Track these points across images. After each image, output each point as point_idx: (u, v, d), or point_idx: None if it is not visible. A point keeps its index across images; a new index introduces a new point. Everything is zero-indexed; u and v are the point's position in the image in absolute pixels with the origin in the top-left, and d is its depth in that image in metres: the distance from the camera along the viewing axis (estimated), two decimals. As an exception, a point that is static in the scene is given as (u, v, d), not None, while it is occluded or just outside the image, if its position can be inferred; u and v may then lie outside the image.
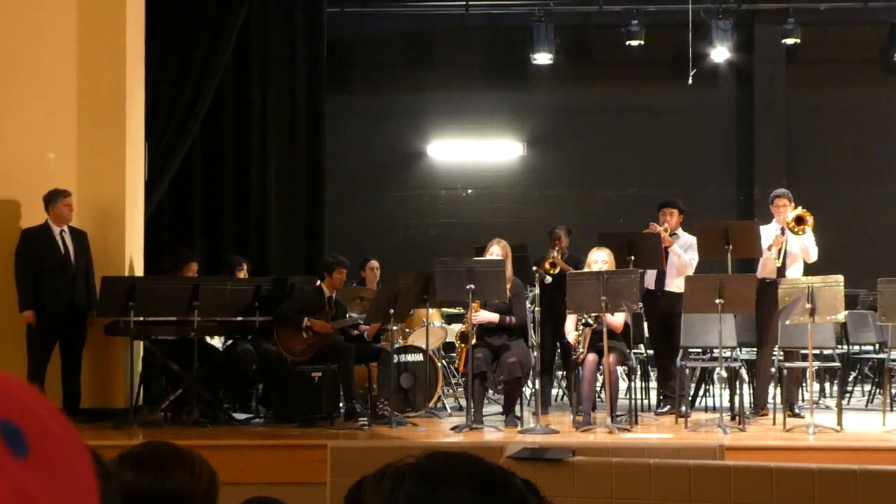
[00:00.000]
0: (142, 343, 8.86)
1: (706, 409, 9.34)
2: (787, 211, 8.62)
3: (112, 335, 8.56)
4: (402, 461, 1.25)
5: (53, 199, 8.37)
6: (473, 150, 13.93)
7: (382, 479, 1.23)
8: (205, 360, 8.62)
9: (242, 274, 9.74)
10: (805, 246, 8.61)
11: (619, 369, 8.71)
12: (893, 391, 8.93)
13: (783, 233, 8.54)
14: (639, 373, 9.18)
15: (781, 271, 8.56)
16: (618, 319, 8.17)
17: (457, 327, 9.52)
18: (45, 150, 8.75)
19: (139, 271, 9.16)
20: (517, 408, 8.30)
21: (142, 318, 8.32)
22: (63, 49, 8.78)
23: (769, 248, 8.56)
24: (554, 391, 10.28)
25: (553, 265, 8.94)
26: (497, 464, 1.24)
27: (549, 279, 8.80)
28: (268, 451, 7.32)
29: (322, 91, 12.42)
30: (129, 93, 9.01)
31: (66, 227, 8.43)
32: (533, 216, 13.15)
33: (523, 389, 8.58)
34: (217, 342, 9.34)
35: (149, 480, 1.90)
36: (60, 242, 8.41)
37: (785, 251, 8.60)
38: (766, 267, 8.62)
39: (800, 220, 8.44)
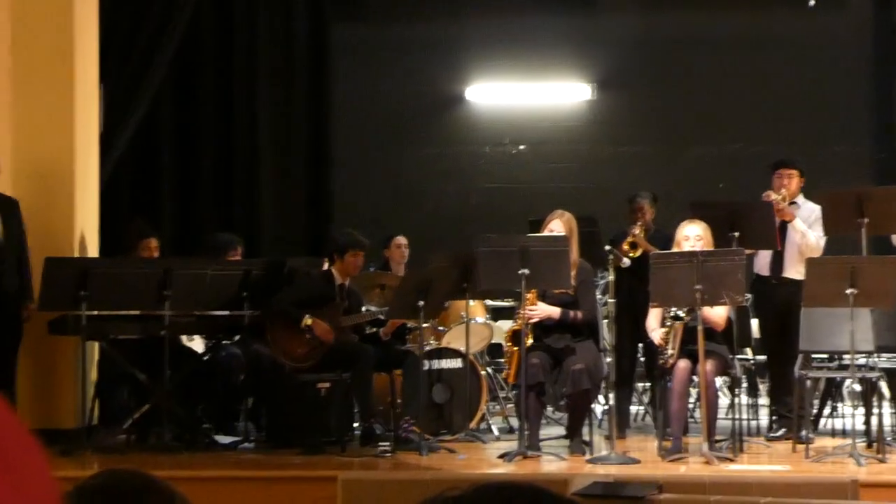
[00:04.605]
0: (97, 344, 8.93)
1: (833, 434, 9.31)
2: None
3: (58, 334, 8.63)
4: (445, 494, 1.26)
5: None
6: (526, 95, 13.91)
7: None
8: (179, 366, 8.67)
9: (236, 258, 9.75)
10: None
11: (720, 380, 8.70)
12: None
13: None
14: (745, 385, 9.15)
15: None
16: (718, 314, 8.16)
17: (506, 325, 9.53)
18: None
19: (93, 252, 9.22)
20: (585, 430, 8.32)
21: (97, 313, 8.39)
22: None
23: None
24: (634, 408, 10.28)
25: (633, 245, 8.92)
26: (564, 495, 1.25)
27: (627, 262, 8.78)
28: (261, 484, 7.40)
29: (327, 19, 12.42)
30: (79, 23, 9.04)
31: (-10, 195, 8.51)
32: (605, 180, 13.13)
33: (593, 406, 8.59)
34: (197, 344, 9.39)
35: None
36: (-18, 213, 8.48)
37: None
38: None
39: None
